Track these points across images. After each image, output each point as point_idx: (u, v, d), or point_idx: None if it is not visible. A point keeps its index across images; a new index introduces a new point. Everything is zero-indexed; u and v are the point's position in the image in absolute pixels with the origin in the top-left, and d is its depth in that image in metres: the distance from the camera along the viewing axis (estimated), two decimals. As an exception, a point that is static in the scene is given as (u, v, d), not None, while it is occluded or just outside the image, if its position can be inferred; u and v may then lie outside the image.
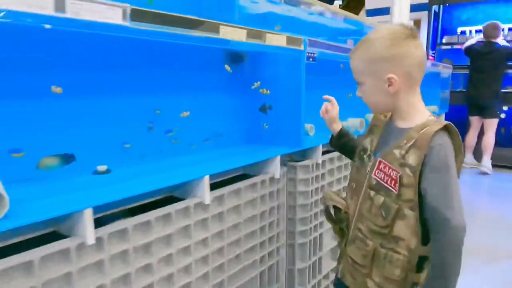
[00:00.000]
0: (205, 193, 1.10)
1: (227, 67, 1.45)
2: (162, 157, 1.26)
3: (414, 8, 5.02)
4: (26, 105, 0.92)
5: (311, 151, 1.61)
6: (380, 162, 0.98)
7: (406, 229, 0.93)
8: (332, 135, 1.28)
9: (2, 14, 0.63)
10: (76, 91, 1.01)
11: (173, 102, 1.28)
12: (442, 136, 0.92)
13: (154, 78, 1.21)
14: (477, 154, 4.77)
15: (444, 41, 5.87)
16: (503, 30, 4.92)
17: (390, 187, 0.94)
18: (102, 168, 1.02)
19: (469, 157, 4.86)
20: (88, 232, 0.77)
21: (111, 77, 1.09)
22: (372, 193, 0.99)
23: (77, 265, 0.77)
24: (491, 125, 4.53)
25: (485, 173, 4.59)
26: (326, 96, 1.27)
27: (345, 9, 8.73)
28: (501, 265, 2.40)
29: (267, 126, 1.58)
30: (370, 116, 2.14)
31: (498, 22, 4.48)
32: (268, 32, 1.26)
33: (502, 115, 4.90)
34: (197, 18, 0.96)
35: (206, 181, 1.09)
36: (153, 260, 0.98)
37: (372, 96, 1.00)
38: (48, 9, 0.67)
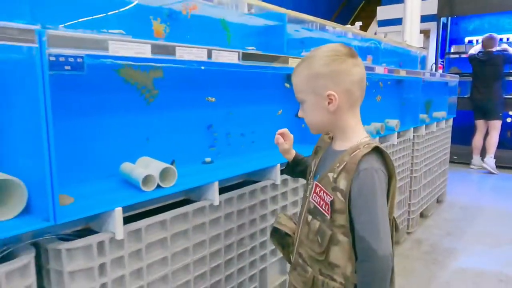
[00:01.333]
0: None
1: (286, 85, 1.89)
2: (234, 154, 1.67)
3: (423, 19, 5.41)
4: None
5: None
6: (316, 186, 0.98)
7: (341, 255, 0.93)
8: (287, 164, 1.27)
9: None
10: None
11: (246, 112, 1.71)
12: (370, 160, 0.91)
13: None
14: (484, 156, 5.13)
15: (452, 50, 6.25)
16: (501, 40, 5.37)
17: (324, 212, 0.95)
18: (208, 159, 1.47)
19: (476, 159, 5.24)
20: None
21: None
22: (310, 217, 0.99)
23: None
24: (495, 126, 4.94)
25: (491, 173, 4.96)
26: (280, 131, 1.23)
27: (356, 20, 9.16)
28: (504, 249, 2.78)
29: (303, 125, 1.98)
30: (390, 121, 2.57)
31: (494, 34, 4.97)
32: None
33: (508, 119, 5.28)
34: (277, 54, 1.40)
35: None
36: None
37: (312, 114, 0.98)
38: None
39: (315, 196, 0.97)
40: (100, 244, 0.93)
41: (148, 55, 0.96)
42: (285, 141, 1.20)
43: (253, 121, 1.76)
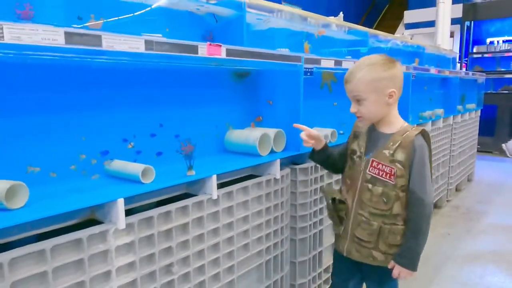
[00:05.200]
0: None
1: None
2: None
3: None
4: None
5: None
6: (373, 161, 1.25)
7: (401, 206, 1.23)
8: (313, 150, 1.42)
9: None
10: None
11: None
12: (420, 139, 1.23)
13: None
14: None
15: (474, 50, 6.91)
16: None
17: (386, 180, 1.22)
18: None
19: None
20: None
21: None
22: (370, 185, 1.25)
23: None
24: None
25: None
26: (297, 125, 1.39)
27: (381, 22, 9.85)
28: (525, 211, 3.52)
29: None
30: (437, 110, 3.30)
31: None
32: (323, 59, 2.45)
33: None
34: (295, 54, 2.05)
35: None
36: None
37: (373, 108, 1.23)
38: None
39: (372, 169, 1.25)
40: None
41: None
42: (311, 140, 1.37)
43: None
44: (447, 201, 3.78)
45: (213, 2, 1.71)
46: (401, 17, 8.88)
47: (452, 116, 3.62)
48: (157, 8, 1.54)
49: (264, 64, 1.52)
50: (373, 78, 1.20)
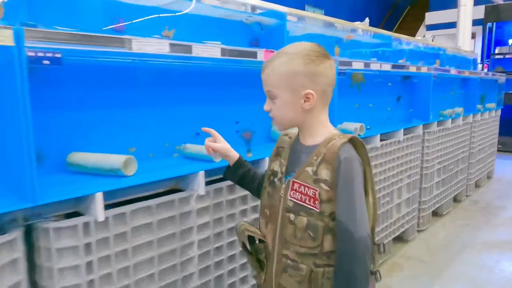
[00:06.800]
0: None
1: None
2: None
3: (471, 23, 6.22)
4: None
5: None
6: (294, 183, 0.97)
7: (334, 241, 0.94)
8: (227, 166, 1.20)
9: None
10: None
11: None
12: (348, 149, 0.94)
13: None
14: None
15: (496, 51, 7.00)
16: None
17: (310, 206, 0.94)
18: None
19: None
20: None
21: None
22: (292, 216, 0.97)
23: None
24: None
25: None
26: (206, 129, 1.18)
27: (402, 23, 9.97)
28: (543, 206, 3.67)
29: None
30: (457, 109, 3.51)
31: None
32: (354, 61, 2.67)
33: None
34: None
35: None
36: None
37: (285, 111, 0.97)
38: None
39: (293, 193, 0.96)
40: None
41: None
42: (212, 152, 1.16)
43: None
44: (467, 196, 3.96)
45: (259, 12, 1.99)
46: (422, 19, 9.00)
47: (472, 114, 3.80)
48: (214, 19, 1.83)
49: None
50: (288, 71, 0.94)
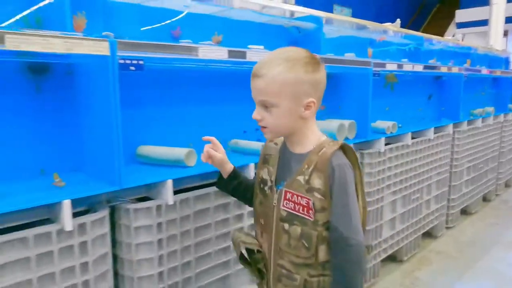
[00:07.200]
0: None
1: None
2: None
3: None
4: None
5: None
6: (286, 193, 0.96)
7: (328, 250, 0.94)
8: (220, 176, 1.16)
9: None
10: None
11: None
12: (340, 156, 0.94)
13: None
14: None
15: (530, 49, 6.85)
16: None
17: (304, 215, 0.93)
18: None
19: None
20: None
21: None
22: (286, 225, 0.96)
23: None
24: None
25: None
26: (206, 138, 1.13)
27: (431, 21, 9.85)
28: None
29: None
30: (487, 108, 3.53)
31: None
32: (388, 62, 2.74)
33: None
34: (366, 59, 2.46)
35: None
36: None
37: (283, 119, 0.93)
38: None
39: (286, 202, 0.96)
40: (158, 208, 1.21)
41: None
42: (209, 159, 1.11)
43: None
44: (496, 195, 3.97)
45: (298, 16, 2.14)
46: (452, 16, 8.87)
47: (503, 114, 3.81)
48: (256, 24, 1.98)
49: (344, 69, 1.92)
50: (292, 79, 0.90)
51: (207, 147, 1.11)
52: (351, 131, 2.04)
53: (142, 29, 1.49)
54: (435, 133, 2.70)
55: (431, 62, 3.09)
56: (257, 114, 0.96)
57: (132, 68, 1.10)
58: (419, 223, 2.66)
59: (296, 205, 0.94)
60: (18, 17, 1.16)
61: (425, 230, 2.75)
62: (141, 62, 1.12)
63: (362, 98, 2.07)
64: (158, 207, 1.23)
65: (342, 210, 0.92)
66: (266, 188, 1.02)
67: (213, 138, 1.12)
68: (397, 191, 2.39)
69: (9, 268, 0.98)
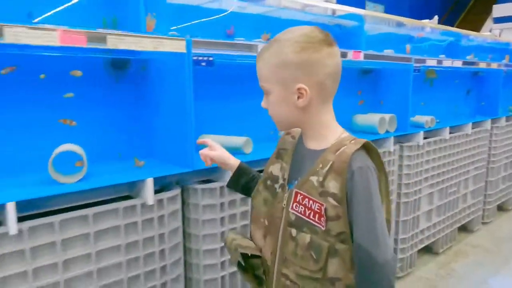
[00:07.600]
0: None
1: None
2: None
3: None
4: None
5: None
6: (297, 194, 0.83)
7: (341, 266, 0.80)
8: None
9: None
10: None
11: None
12: (361, 157, 0.80)
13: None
14: None
15: None
16: None
17: (314, 222, 0.80)
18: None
19: None
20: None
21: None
22: (294, 231, 0.83)
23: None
24: None
25: None
26: (200, 141, 1.09)
27: (466, 16, 9.60)
28: None
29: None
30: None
31: None
32: (428, 58, 2.75)
33: None
34: (407, 55, 2.50)
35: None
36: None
37: (279, 108, 0.84)
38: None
39: (296, 205, 0.83)
40: (222, 189, 1.36)
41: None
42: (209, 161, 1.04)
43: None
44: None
45: (340, 14, 2.23)
46: (488, 11, 8.61)
47: (542, 110, 3.75)
48: (301, 22, 2.10)
49: (386, 64, 2.01)
50: (278, 62, 0.81)
51: (201, 150, 1.05)
52: (392, 124, 2.13)
53: (201, 29, 1.64)
54: (473, 128, 2.73)
55: (469, 58, 3.10)
56: (263, 102, 0.88)
57: (203, 64, 1.25)
58: (455, 216, 2.70)
59: (306, 209, 0.81)
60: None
61: (461, 224, 2.79)
62: (211, 58, 1.26)
63: (403, 92, 2.15)
64: (222, 188, 1.38)
65: (367, 224, 0.77)
66: (276, 186, 0.89)
67: (208, 140, 1.07)
68: (434, 184, 2.46)
69: (102, 236, 1.14)
